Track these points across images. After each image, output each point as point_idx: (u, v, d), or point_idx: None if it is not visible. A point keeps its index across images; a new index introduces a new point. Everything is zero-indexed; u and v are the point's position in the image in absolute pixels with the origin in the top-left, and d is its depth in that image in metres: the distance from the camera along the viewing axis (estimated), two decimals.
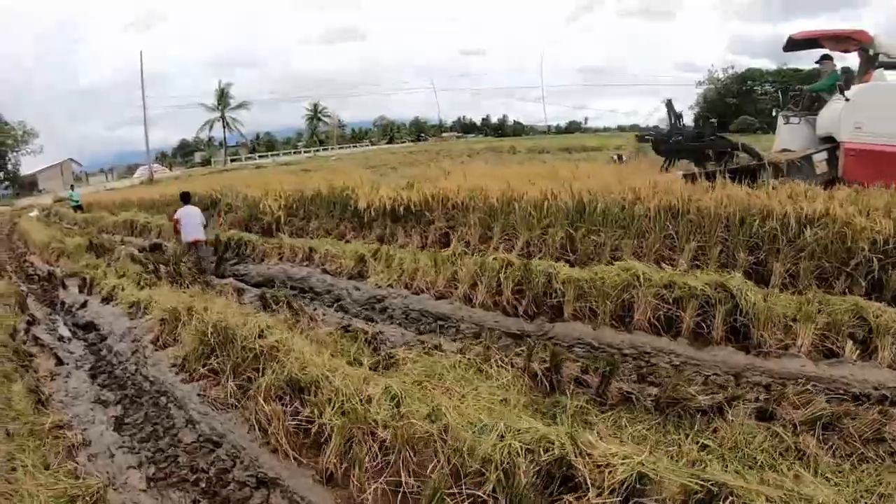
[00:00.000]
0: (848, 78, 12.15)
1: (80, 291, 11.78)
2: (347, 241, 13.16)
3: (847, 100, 11.18)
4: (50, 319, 10.62)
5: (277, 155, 78.49)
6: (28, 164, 75.06)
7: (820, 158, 11.39)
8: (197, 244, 13.26)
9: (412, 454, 4.10)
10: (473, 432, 3.98)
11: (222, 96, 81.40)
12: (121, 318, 9.22)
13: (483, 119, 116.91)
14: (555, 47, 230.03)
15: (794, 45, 13.15)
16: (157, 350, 7.56)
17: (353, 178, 16.30)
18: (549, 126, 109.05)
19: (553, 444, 3.71)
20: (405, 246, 11.99)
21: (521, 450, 3.69)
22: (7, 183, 73.38)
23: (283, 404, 5.09)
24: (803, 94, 13.37)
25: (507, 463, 3.63)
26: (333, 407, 4.67)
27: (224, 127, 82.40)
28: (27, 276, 15.82)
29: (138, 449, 5.46)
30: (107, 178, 78.25)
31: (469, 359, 5.90)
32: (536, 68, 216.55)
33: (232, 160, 76.84)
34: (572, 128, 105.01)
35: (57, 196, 52.96)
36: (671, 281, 7.03)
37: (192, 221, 13.21)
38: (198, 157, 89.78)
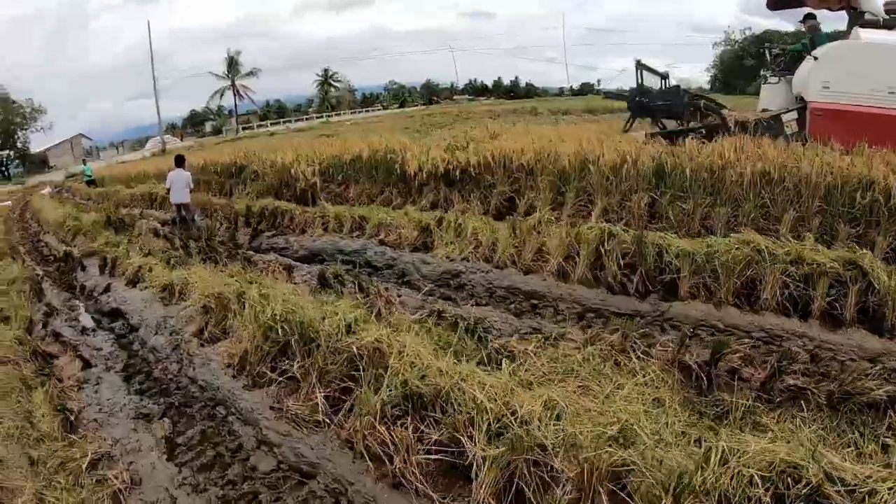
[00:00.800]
0: (834, 36, 11.99)
1: (101, 273, 10.44)
2: (396, 209, 11.84)
3: (815, 59, 11.04)
4: (69, 307, 9.31)
5: (289, 121, 76.92)
6: (38, 142, 74.15)
7: (789, 118, 11.33)
8: (182, 207, 13.42)
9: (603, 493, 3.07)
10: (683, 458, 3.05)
11: (232, 64, 80.00)
12: (153, 305, 7.90)
13: (494, 81, 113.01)
14: (566, 7, 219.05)
15: (777, 3, 13.48)
16: (202, 345, 6.24)
17: (393, 140, 15.11)
18: (562, 88, 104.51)
19: (798, 468, 2.86)
20: (464, 213, 10.60)
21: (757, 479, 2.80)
22: (18, 161, 72.31)
23: (402, 425, 3.85)
24: (785, 53, 13.26)
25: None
26: (478, 428, 3.55)
27: (235, 95, 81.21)
28: (42, 258, 14.52)
29: (203, 484, 4.16)
30: (118, 151, 76.95)
31: (604, 349, 4.94)
32: (546, 30, 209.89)
33: (244, 128, 75.24)
34: (585, 90, 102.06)
35: (69, 172, 52.29)
36: (799, 256, 6.31)
37: (177, 186, 13.21)
38: (209, 126, 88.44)
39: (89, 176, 34.42)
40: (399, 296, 7.39)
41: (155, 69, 61.13)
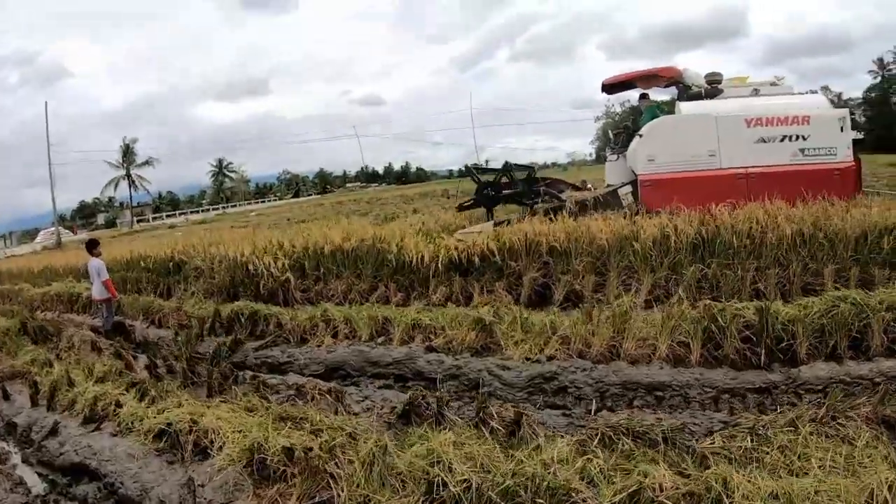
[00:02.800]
0: (662, 111, 13.05)
1: (35, 405, 7.47)
2: (398, 306, 9.69)
3: (640, 136, 11.93)
4: None
5: (186, 213, 72.18)
6: None
7: (625, 191, 12.05)
8: (97, 304, 11.48)
9: None
10: None
11: (127, 152, 75.10)
12: (151, 463, 5.18)
13: (385, 168, 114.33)
14: (453, 94, 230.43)
15: (609, 88, 14.00)
16: None
17: (357, 227, 13.51)
18: (450, 170, 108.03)
19: None
20: (489, 304, 8.71)
21: None
22: None
23: None
24: (625, 131, 13.96)
25: None
26: None
27: (130, 185, 75.56)
28: None
29: None
30: (5, 243, 69.13)
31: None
32: (433, 116, 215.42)
33: (138, 220, 69.91)
34: (476, 167, 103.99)
35: None
36: (892, 303, 6.26)
37: (92, 276, 11.11)
38: (101, 218, 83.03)
39: None
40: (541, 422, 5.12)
41: (50, 153, 55.38)
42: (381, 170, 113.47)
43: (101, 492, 5.21)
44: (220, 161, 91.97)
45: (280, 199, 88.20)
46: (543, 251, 9.83)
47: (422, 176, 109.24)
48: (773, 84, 12.69)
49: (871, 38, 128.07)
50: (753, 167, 11.26)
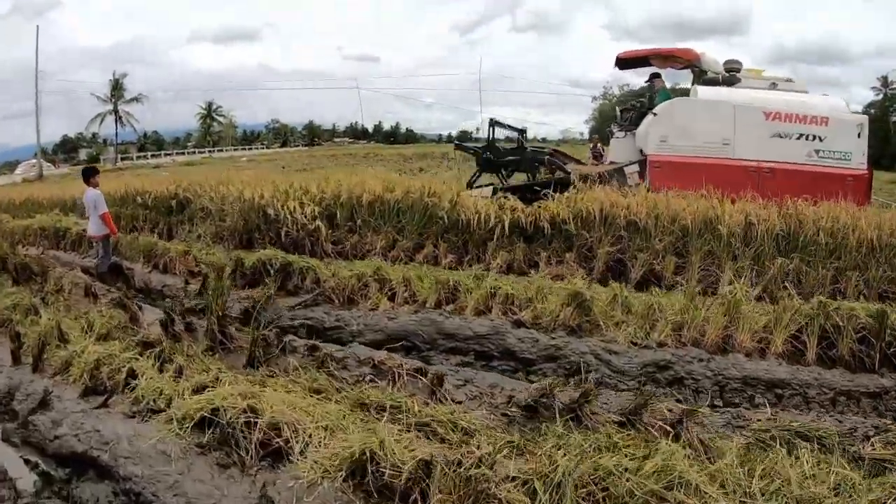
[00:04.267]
0: (676, 93, 12.89)
1: (17, 362, 5.88)
2: (450, 268, 8.81)
3: (654, 114, 11.36)
4: None
5: (171, 154, 69.60)
6: None
7: (631, 170, 11.50)
8: (92, 241, 9.91)
9: None
10: None
11: (116, 87, 70.86)
12: (195, 465, 3.70)
13: (375, 126, 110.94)
14: (449, 58, 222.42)
15: (623, 63, 13.47)
16: None
17: (397, 178, 12.31)
18: (440, 134, 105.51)
19: None
20: (562, 277, 8.11)
21: None
22: None
23: None
24: (633, 109, 13.30)
25: None
26: None
27: (116, 121, 71.32)
28: None
29: None
30: None
31: None
32: (427, 77, 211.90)
33: (122, 158, 66.42)
34: (463, 137, 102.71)
35: None
36: None
37: (88, 210, 9.44)
38: (83, 154, 78.81)
39: None
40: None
41: (30, 88, 52.35)
42: (370, 127, 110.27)
43: (118, 497, 3.77)
44: (210, 104, 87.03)
45: (267, 147, 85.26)
46: (620, 224, 8.96)
47: (411, 137, 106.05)
48: (787, 80, 12.11)
49: (872, 54, 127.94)
50: (767, 161, 10.77)
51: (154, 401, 4.43)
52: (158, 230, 12.50)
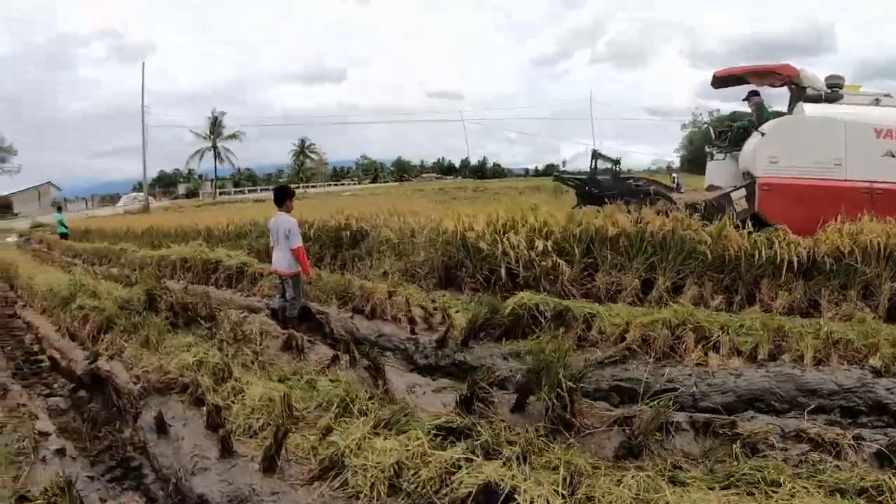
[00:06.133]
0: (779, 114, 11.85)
1: (228, 454, 3.96)
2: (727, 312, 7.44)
3: (762, 134, 10.77)
4: None
5: (268, 189, 70.57)
6: (3, 185, 67.51)
7: (738, 196, 10.91)
8: (281, 278, 7.67)
9: None
10: None
11: (215, 124, 74.53)
12: None
13: (462, 161, 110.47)
14: (530, 91, 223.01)
15: (719, 81, 12.66)
16: None
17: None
18: (526, 169, 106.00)
19: None
20: (849, 317, 7.12)
21: None
22: None
23: None
24: (731, 129, 12.93)
25: None
26: None
27: (215, 157, 74.96)
28: (30, 365, 7.54)
29: None
30: (87, 205, 68.83)
31: None
32: (508, 112, 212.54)
33: (220, 193, 69.06)
34: (550, 171, 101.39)
35: (36, 221, 44.17)
36: None
37: (278, 239, 7.53)
38: (181, 188, 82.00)
39: (64, 227, 27.32)
40: None
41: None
42: (457, 163, 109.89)
43: None
44: (303, 141, 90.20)
45: (358, 183, 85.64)
46: None
47: (498, 172, 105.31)
48: (887, 96, 11.30)
49: None
50: (879, 182, 10.12)
51: None
52: (327, 265, 10.71)
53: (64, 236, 26.69)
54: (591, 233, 9.11)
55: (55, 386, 6.80)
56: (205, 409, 4.60)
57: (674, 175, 17.76)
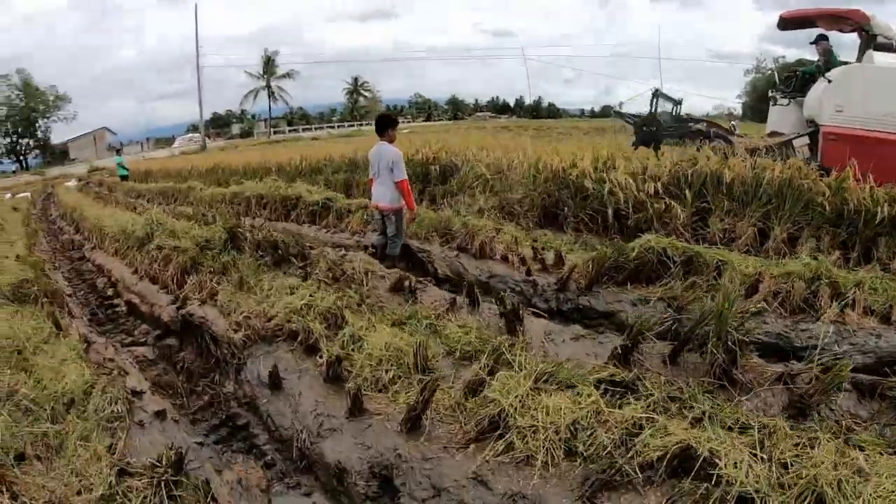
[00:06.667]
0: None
1: (358, 413, 3.64)
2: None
3: (829, 81, 10.23)
4: None
5: (322, 128, 71.39)
6: (59, 132, 67.99)
7: (801, 143, 10.61)
8: (382, 214, 7.20)
9: None
10: None
11: (268, 64, 74.82)
12: None
13: (517, 100, 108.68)
14: (586, 31, 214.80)
15: (786, 23, 11.94)
16: None
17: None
18: (582, 109, 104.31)
19: None
20: None
21: None
22: (37, 151, 66.40)
23: None
24: (796, 75, 12.15)
25: None
26: None
27: (269, 96, 75.69)
28: (108, 312, 7.44)
29: None
30: (142, 147, 70.27)
31: None
32: (565, 51, 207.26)
33: (275, 132, 69.10)
34: (606, 112, 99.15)
35: (92, 166, 44.76)
36: None
37: (379, 171, 7.08)
38: (235, 128, 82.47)
39: (124, 169, 27.44)
40: None
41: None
42: (511, 102, 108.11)
43: None
44: (356, 79, 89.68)
45: (412, 121, 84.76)
46: None
47: (553, 112, 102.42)
48: None
49: None
50: None
51: None
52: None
53: (124, 178, 26.83)
54: (705, 176, 8.70)
55: (136, 333, 6.54)
56: (320, 359, 4.20)
57: (733, 123, 17.24)
